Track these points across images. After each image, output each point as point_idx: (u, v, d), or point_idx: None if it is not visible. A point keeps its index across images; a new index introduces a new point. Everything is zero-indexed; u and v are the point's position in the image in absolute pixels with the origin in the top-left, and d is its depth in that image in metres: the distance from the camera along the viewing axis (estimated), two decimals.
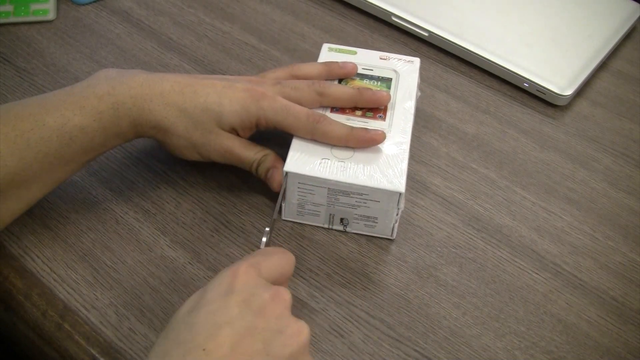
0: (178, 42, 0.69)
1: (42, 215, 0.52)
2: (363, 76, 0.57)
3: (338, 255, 0.52)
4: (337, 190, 0.50)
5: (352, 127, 0.51)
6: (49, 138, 0.47)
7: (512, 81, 0.68)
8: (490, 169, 0.60)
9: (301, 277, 0.51)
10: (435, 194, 0.58)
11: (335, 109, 0.54)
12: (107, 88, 0.49)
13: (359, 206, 0.51)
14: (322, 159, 0.50)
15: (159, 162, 0.57)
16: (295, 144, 0.51)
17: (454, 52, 0.70)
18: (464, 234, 0.55)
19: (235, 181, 0.56)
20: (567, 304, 0.51)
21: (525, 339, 0.49)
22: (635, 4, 0.77)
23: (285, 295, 0.40)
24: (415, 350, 0.47)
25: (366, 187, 0.49)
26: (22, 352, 0.52)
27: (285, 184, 0.51)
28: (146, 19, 0.71)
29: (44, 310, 0.48)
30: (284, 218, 0.54)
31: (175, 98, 0.50)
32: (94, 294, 0.49)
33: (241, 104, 0.50)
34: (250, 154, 0.52)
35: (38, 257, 0.50)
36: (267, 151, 0.53)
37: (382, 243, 0.53)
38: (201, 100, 0.50)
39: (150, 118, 0.49)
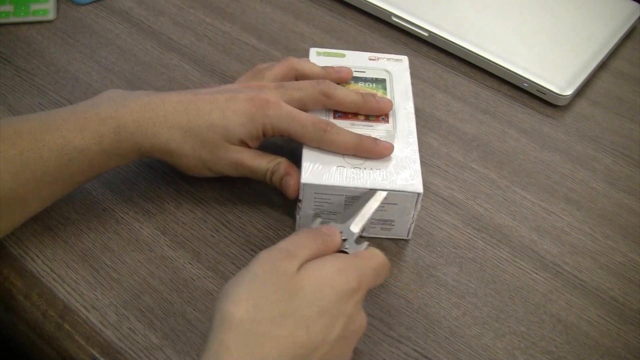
0: (178, 42, 0.69)
1: (42, 215, 0.52)
2: (357, 79, 0.57)
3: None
4: (354, 197, 0.50)
5: (360, 137, 0.51)
6: (47, 158, 0.46)
7: (512, 81, 0.68)
8: (490, 169, 0.60)
9: None
10: (435, 194, 0.58)
11: (339, 115, 0.53)
12: (110, 111, 0.48)
13: (376, 210, 0.50)
14: (337, 166, 0.50)
15: (159, 162, 0.57)
16: (306, 154, 0.51)
17: (454, 52, 0.70)
18: (464, 234, 0.55)
19: (235, 181, 0.56)
20: (567, 304, 0.51)
21: (525, 339, 0.49)
22: (635, 4, 0.77)
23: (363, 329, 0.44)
24: (415, 350, 0.47)
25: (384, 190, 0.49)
26: (22, 352, 0.52)
27: (302, 195, 0.50)
28: (146, 19, 0.71)
29: (44, 310, 0.48)
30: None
31: (179, 119, 0.49)
32: (94, 294, 0.49)
33: (246, 114, 0.50)
34: (262, 163, 0.52)
35: (38, 257, 0.50)
36: (279, 159, 0.52)
37: (382, 243, 0.53)
38: (205, 118, 0.49)
39: (154, 142, 0.49)
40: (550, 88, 0.65)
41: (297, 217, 0.52)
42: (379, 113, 0.54)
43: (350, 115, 0.54)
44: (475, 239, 0.55)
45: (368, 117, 0.54)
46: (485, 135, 0.63)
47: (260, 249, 0.52)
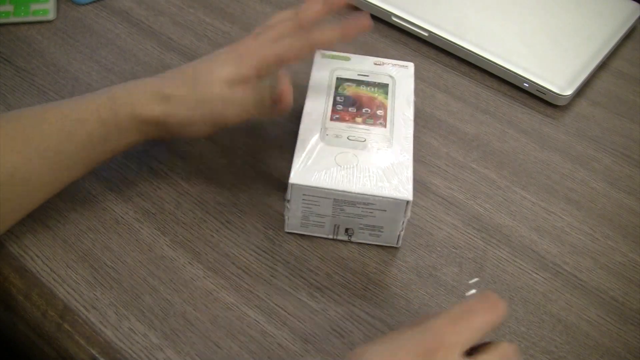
0: (178, 42, 0.69)
1: (42, 215, 0.52)
2: (359, 82, 0.57)
3: (338, 255, 0.52)
4: (342, 201, 0.49)
5: (339, 27, 0.51)
6: (48, 133, 0.48)
7: (512, 81, 0.68)
8: (490, 169, 0.60)
9: (301, 277, 0.51)
10: (436, 194, 0.58)
11: (336, 117, 0.53)
12: (105, 89, 0.51)
13: (364, 216, 0.50)
14: (327, 168, 0.50)
15: (159, 162, 0.57)
16: (298, 154, 0.50)
17: (454, 52, 0.70)
18: (464, 234, 0.55)
19: (235, 181, 0.56)
20: (567, 304, 0.51)
21: (525, 339, 0.49)
22: (635, 4, 0.77)
23: None
24: None
25: (373, 196, 0.49)
26: (22, 352, 0.52)
27: (290, 195, 0.50)
28: (146, 19, 0.71)
29: (44, 310, 0.48)
30: (287, 231, 0.53)
31: (171, 86, 0.50)
32: (94, 294, 0.49)
33: (231, 63, 0.51)
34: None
35: (38, 256, 0.50)
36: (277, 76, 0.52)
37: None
38: (192, 75, 0.51)
39: (147, 110, 0.50)
40: (550, 88, 0.65)
41: (286, 217, 0.52)
42: (362, 29, 0.52)
43: (347, 118, 0.53)
44: (475, 239, 0.55)
45: (365, 121, 0.53)
46: (485, 135, 0.63)
47: (261, 249, 0.52)
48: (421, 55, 0.71)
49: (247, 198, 0.55)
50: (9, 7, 0.70)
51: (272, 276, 0.51)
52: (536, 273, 0.53)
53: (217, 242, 0.52)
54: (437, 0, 0.73)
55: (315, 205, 0.50)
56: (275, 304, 0.49)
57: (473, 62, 0.69)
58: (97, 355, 0.46)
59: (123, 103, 0.49)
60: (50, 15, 0.70)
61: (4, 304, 0.50)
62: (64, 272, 0.50)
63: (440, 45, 0.71)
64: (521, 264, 0.53)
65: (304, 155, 0.51)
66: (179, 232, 0.53)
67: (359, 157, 0.51)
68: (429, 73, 0.69)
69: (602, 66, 0.71)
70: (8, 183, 0.46)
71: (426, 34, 0.71)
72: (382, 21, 0.74)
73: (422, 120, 0.64)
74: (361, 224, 0.51)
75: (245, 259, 0.51)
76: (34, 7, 0.70)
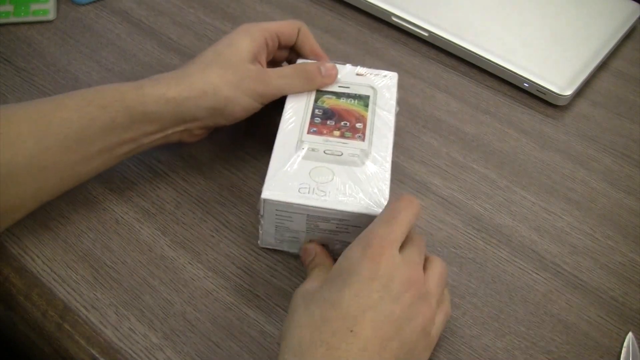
0: (178, 42, 0.69)
1: (42, 215, 0.52)
2: (340, 94, 0.55)
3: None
4: (316, 217, 0.47)
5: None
6: (69, 118, 0.47)
7: (512, 81, 0.68)
8: (490, 169, 0.60)
9: (301, 277, 0.51)
10: (435, 194, 0.58)
11: (313, 130, 0.52)
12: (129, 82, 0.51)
13: (339, 232, 0.48)
14: (301, 184, 0.48)
15: (159, 162, 0.57)
16: (272, 168, 0.49)
17: (454, 52, 0.70)
18: (464, 234, 0.55)
19: (235, 181, 0.56)
20: (567, 304, 0.51)
21: (525, 339, 0.49)
22: (635, 4, 0.77)
23: (419, 278, 0.43)
24: None
25: (345, 212, 0.47)
26: (22, 352, 0.52)
27: (262, 211, 0.48)
28: (146, 19, 0.71)
29: (44, 310, 0.48)
30: (261, 246, 0.52)
31: (197, 66, 0.52)
32: (94, 294, 0.49)
33: (247, 36, 0.54)
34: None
35: (38, 257, 0.50)
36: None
37: None
38: (215, 57, 0.53)
39: (182, 83, 0.50)
40: (550, 88, 0.65)
41: (260, 232, 0.50)
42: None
43: (325, 131, 0.52)
44: (475, 239, 0.55)
45: (344, 134, 0.52)
46: (485, 135, 0.63)
47: (261, 249, 0.52)
48: (421, 55, 0.71)
49: (247, 198, 0.55)
50: (9, 7, 0.70)
51: (272, 276, 0.51)
52: (536, 273, 0.53)
53: (217, 242, 0.52)
54: (437, 0, 0.73)
55: (289, 221, 0.48)
56: (275, 304, 0.49)
57: (473, 62, 0.69)
58: (97, 355, 0.46)
59: (152, 87, 0.49)
60: (50, 15, 0.70)
61: (4, 304, 0.50)
62: (64, 272, 0.50)
63: (440, 45, 0.71)
64: (521, 264, 0.53)
65: (278, 169, 0.49)
66: (179, 232, 0.53)
67: (335, 172, 0.49)
68: (429, 73, 0.69)
69: (602, 66, 0.71)
70: (25, 171, 0.46)
71: (426, 34, 0.71)
72: (382, 21, 0.74)
73: (422, 120, 0.64)
74: (336, 240, 0.49)
75: (245, 259, 0.51)
76: (34, 7, 0.70)
